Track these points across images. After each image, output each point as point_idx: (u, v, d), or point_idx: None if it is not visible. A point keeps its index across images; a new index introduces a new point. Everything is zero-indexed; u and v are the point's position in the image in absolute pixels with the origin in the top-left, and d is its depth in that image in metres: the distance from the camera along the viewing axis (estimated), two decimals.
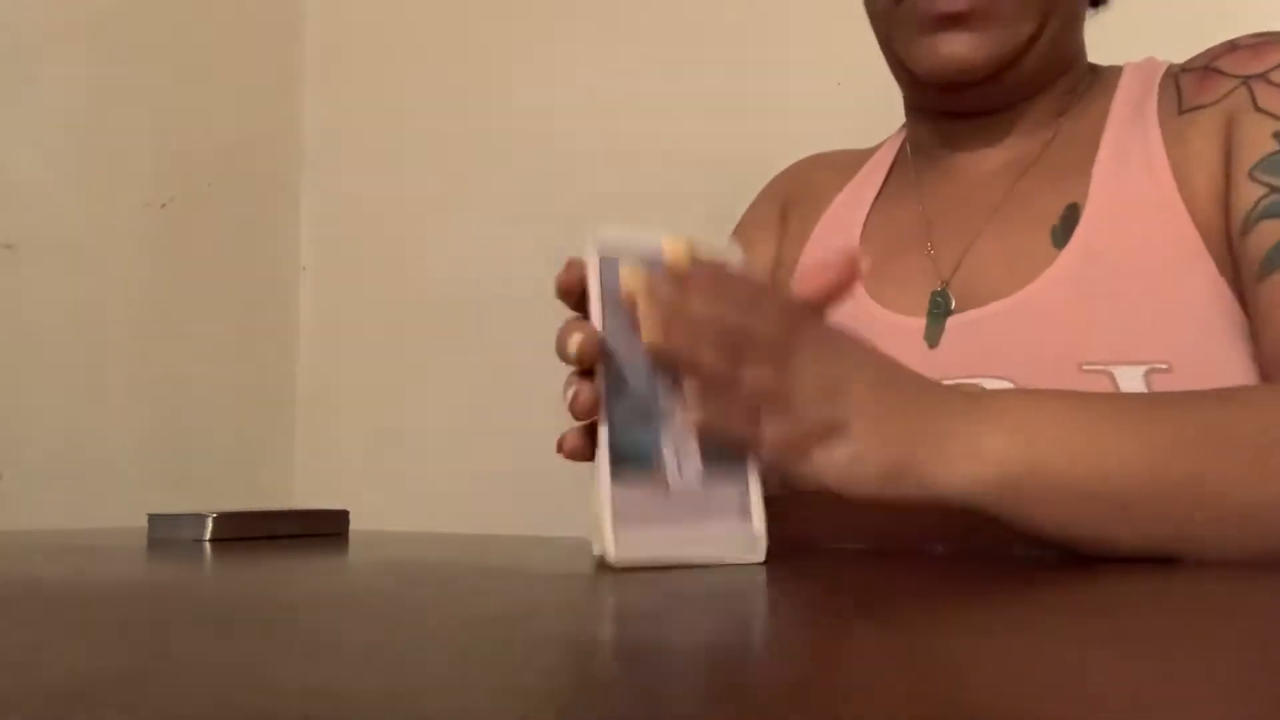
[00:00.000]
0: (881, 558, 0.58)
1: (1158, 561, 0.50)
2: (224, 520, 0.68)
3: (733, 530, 0.50)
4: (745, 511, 0.50)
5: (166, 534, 0.69)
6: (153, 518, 0.70)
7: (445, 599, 0.40)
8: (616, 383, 0.48)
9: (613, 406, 0.48)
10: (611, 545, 0.46)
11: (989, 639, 0.32)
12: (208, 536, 0.67)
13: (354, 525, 0.78)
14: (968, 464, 0.49)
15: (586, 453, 0.49)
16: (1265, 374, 0.61)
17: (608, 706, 0.22)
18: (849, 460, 0.49)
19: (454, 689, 0.23)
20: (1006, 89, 0.72)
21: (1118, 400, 0.55)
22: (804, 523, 0.66)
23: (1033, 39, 0.69)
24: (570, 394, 0.49)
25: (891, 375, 0.51)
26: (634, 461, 0.48)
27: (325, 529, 0.76)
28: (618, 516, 0.46)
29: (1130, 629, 0.33)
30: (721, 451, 0.50)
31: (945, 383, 0.54)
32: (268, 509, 0.75)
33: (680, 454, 0.49)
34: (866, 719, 0.21)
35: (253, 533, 0.70)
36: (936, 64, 0.69)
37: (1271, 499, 0.49)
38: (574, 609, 0.39)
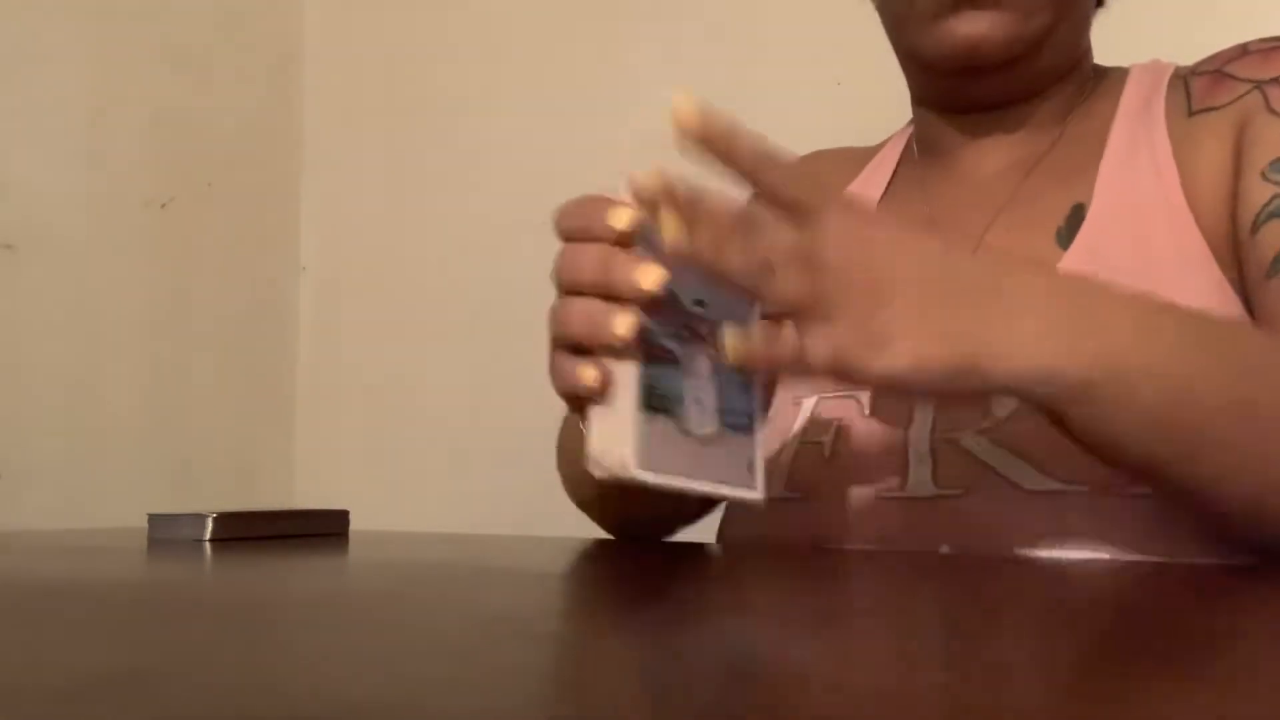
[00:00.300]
0: (886, 559, 0.58)
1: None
2: (224, 520, 0.68)
3: (738, 471, 0.51)
4: (751, 460, 0.52)
5: (166, 534, 0.69)
6: (153, 518, 0.70)
7: (445, 599, 0.40)
8: (645, 330, 0.48)
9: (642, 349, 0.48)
10: (632, 457, 0.47)
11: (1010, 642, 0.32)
12: (208, 536, 0.67)
13: (354, 525, 0.78)
14: (1040, 356, 0.47)
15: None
16: None
17: (608, 707, 0.22)
18: (909, 363, 0.46)
19: (454, 689, 0.23)
20: (1018, 81, 0.72)
21: (1199, 319, 0.53)
22: (812, 526, 0.66)
23: (1049, 30, 0.69)
24: (580, 373, 0.48)
25: (943, 259, 0.48)
26: (657, 400, 0.48)
27: (325, 529, 0.76)
28: (640, 435, 0.47)
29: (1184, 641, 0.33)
30: (734, 406, 0.51)
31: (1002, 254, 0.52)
32: (268, 509, 0.75)
33: (700, 404, 0.50)
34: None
35: (253, 533, 0.70)
36: (955, 45, 0.68)
37: None
38: (574, 609, 0.39)
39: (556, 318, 0.50)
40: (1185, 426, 0.49)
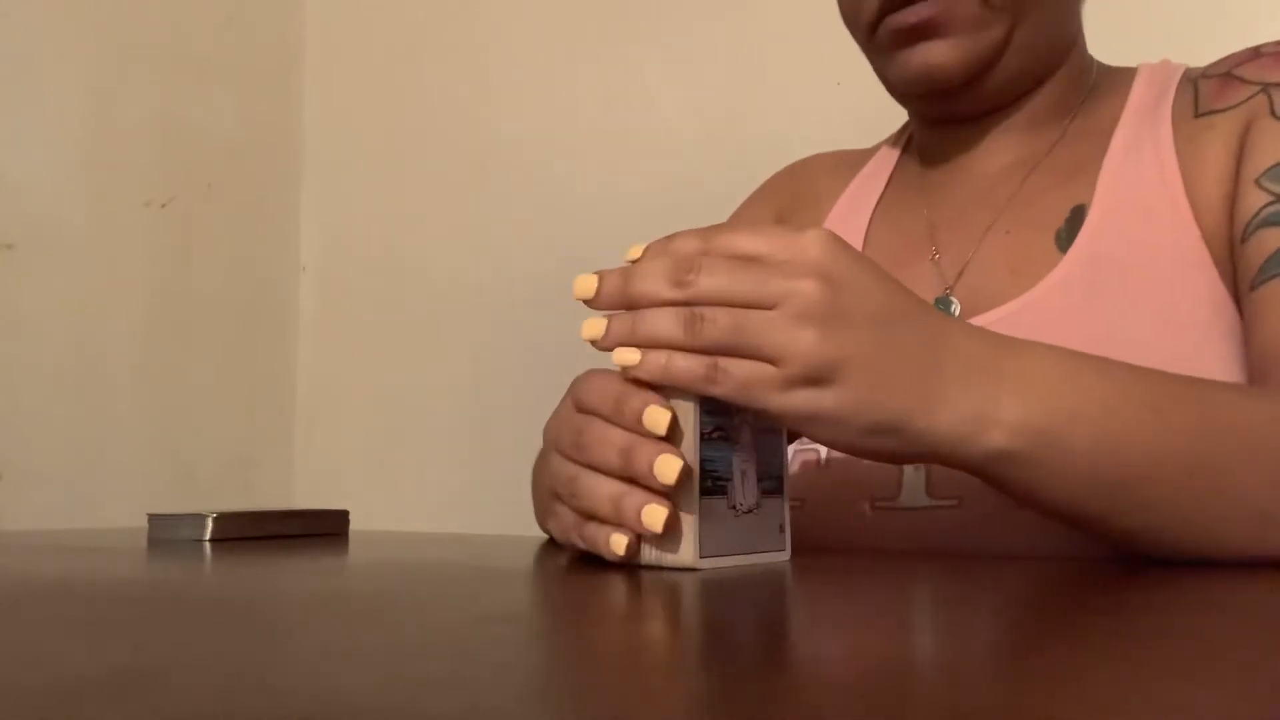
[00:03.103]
0: (890, 561, 0.58)
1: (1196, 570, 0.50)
2: (224, 520, 0.68)
3: (771, 534, 0.53)
4: (781, 521, 0.54)
5: (166, 534, 0.69)
6: (153, 518, 0.70)
7: (445, 599, 0.40)
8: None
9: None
10: (694, 552, 0.48)
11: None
12: (208, 536, 0.67)
13: (354, 525, 0.78)
14: (970, 426, 0.47)
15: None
16: (1252, 378, 0.61)
17: (608, 707, 0.22)
18: (834, 406, 0.46)
19: (454, 689, 0.23)
20: (989, 92, 0.72)
21: (1142, 375, 0.52)
22: (805, 534, 0.66)
23: (1006, 40, 0.69)
24: (614, 545, 0.48)
25: (898, 311, 0.48)
26: (713, 483, 0.49)
27: (325, 529, 0.76)
28: (700, 529, 0.48)
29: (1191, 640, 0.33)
30: (769, 468, 0.52)
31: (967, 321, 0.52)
32: (268, 509, 0.75)
33: (745, 475, 0.51)
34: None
35: (253, 533, 0.70)
36: (911, 75, 0.70)
37: (1268, 491, 0.49)
38: (574, 609, 0.39)
39: (579, 492, 0.50)
40: (1117, 483, 0.49)
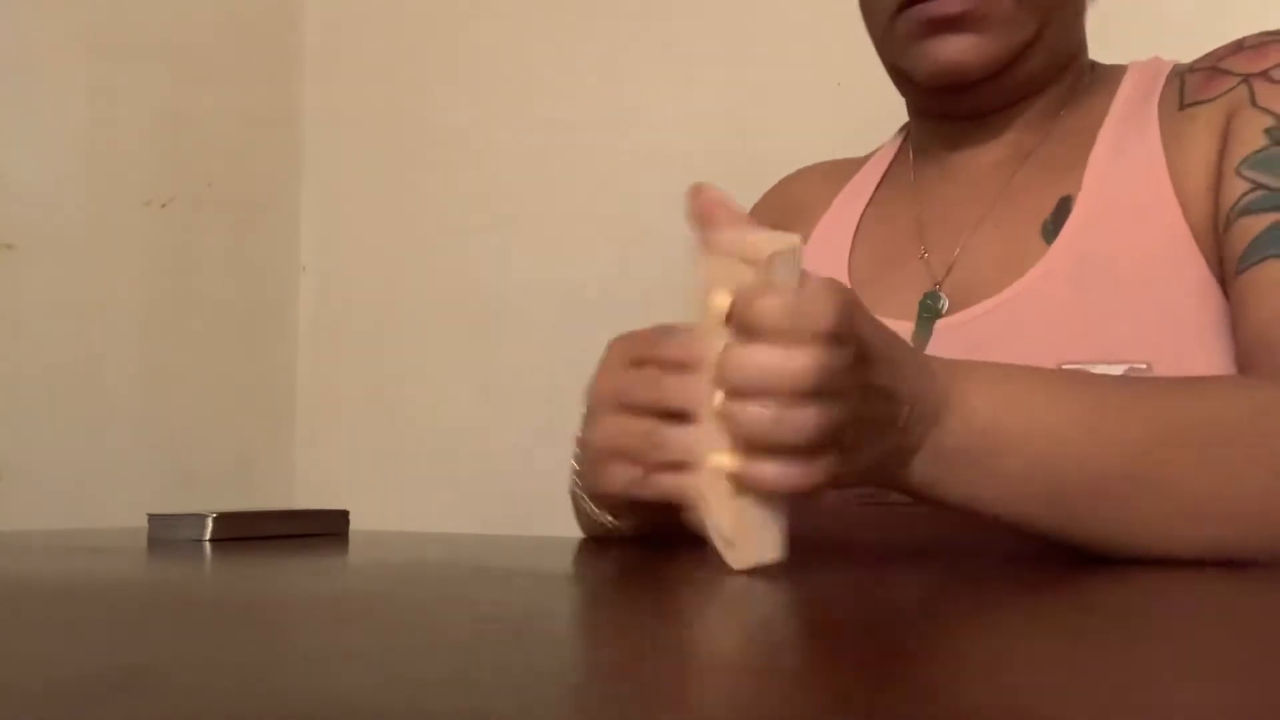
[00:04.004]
0: (888, 559, 0.58)
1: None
2: (224, 520, 0.68)
3: (781, 532, 0.50)
4: (783, 521, 0.51)
5: (166, 534, 0.69)
6: (153, 518, 0.70)
7: (445, 599, 0.40)
8: None
9: None
10: (780, 543, 0.46)
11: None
12: (208, 536, 0.67)
13: (354, 525, 0.78)
14: (923, 453, 0.48)
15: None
16: (1239, 366, 0.61)
17: (608, 706, 0.22)
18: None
19: (454, 689, 0.23)
20: (1006, 90, 0.72)
21: (1085, 389, 0.52)
22: (793, 528, 0.66)
23: (1031, 42, 0.69)
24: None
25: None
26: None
27: (325, 529, 0.76)
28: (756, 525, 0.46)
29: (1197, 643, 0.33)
30: None
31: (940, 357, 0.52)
32: (268, 509, 0.75)
33: None
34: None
35: (253, 533, 0.70)
36: (935, 68, 0.69)
37: (1215, 492, 0.49)
38: (573, 609, 0.39)
39: (661, 443, 0.48)
40: (1060, 493, 0.49)
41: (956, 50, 0.68)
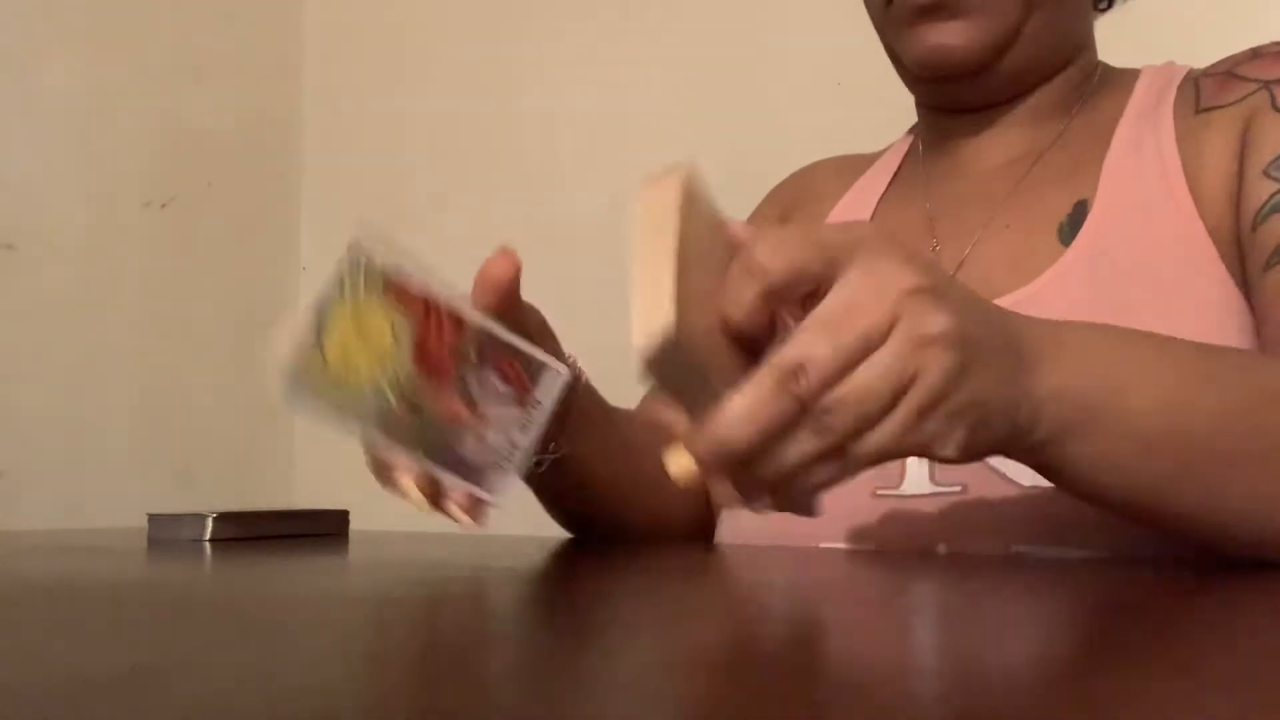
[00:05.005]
0: (885, 558, 0.58)
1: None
2: (224, 520, 0.68)
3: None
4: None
5: (166, 534, 0.69)
6: (153, 518, 0.70)
7: (445, 599, 0.40)
8: None
9: None
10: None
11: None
12: (208, 536, 0.67)
13: (354, 525, 0.78)
14: (1028, 413, 0.44)
15: None
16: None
17: (609, 705, 0.22)
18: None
19: (453, 689, 0.23)
20: (999, 81, 0.72)
21: (1196, 347, 0.51)
22: (808, 523, 0.66)
23: (1018, 28, 0.70)
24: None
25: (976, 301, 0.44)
26: None
27: (325, 529, 0.76)
28: None
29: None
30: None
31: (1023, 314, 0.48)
32: (268, 509, 0.75)
33: None
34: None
35: (253, 533, 0.70)
36: (924, 54, 0.70)
37: None
38: (573, 609, 0.39)
39: None
40: (1175, 451, 0.47)
41: (943, 36, 0.69)
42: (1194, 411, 0.48)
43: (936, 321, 0.40)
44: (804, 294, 0.40)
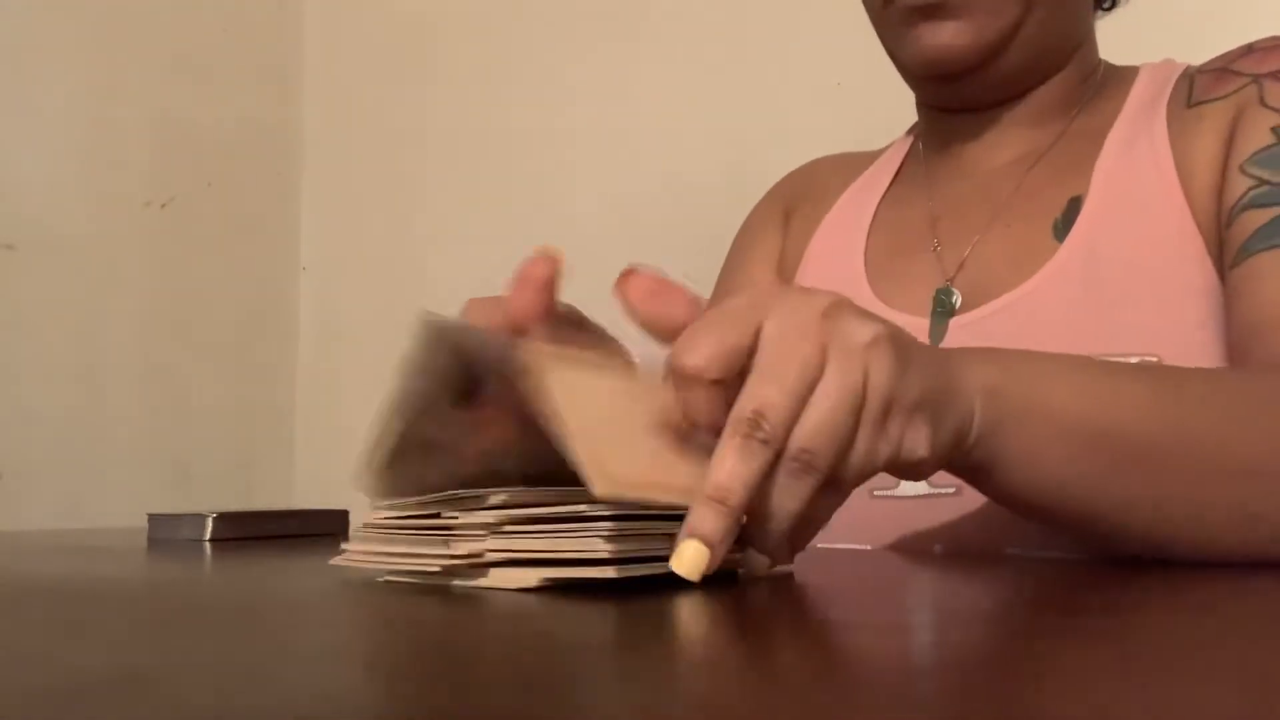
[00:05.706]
0: (884, 557, 0.58)
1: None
2: (224, 520, 0.68)
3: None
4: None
5: (166, 534, 0.69)
6: (153, 518, 0.70)
7: (444, 599, 0.40)
8: None
9: None
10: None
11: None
12: (208, 536, 0.67)
13: (354, 525, 0.78)
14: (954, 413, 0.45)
15: None
16: (1231, 357, 0.61)
17: (609, 705, 0.22)
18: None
19: (453, 689, 0.23)
20: (998, 80, 0.72)
21: (1121, 367, 0.53)
22: None
23: (1016, 27, 0.70)
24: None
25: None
26: None
27: (325, 529, 0.76)
28: None
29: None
30: None
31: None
32: (268, 509, 0.75)
33: None
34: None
35: (253, 533, 0.70)
36: (921, 55, 0.70)
37: (1266, 456, 0.49)
38: (572, 610, 0.39)
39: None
40: (1103, 450, 0.48)
41: (939, 37, 0.69)
42: (1121, 410, 0.48)
43: (863, 331, 0.41)
44: (742, 369, 0.41)
